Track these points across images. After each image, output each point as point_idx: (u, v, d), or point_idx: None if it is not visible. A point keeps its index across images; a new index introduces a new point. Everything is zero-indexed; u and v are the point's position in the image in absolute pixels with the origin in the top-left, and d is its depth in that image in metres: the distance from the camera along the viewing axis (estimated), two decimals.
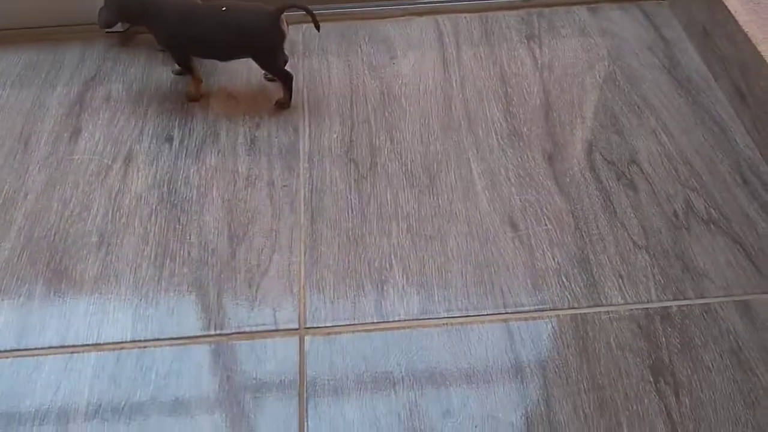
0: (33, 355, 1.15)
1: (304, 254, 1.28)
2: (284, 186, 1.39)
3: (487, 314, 1.17)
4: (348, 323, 1.17)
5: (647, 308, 1.18)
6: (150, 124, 1.51)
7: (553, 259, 1.25)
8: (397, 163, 1.42)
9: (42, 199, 1.38)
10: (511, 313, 1.18)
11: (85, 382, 1.12)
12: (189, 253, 1.28)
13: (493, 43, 1.67)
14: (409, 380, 1.10)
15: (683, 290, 1.20)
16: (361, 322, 1.17)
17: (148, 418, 1.07)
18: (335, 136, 1.48)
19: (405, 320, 1.17)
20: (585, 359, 1.12)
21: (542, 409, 1.07)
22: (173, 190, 1.38)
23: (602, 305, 1.18)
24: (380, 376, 1.11)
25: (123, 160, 1.44)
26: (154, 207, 1.36)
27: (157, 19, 1.51)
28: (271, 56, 1.51)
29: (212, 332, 1.17)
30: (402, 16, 1.75)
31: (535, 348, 1.13)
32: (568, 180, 1.38)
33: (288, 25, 1.49)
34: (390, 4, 1.76)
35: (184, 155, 1.45)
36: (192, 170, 1.42)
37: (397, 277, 1.24)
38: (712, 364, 1.10)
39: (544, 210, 1.33)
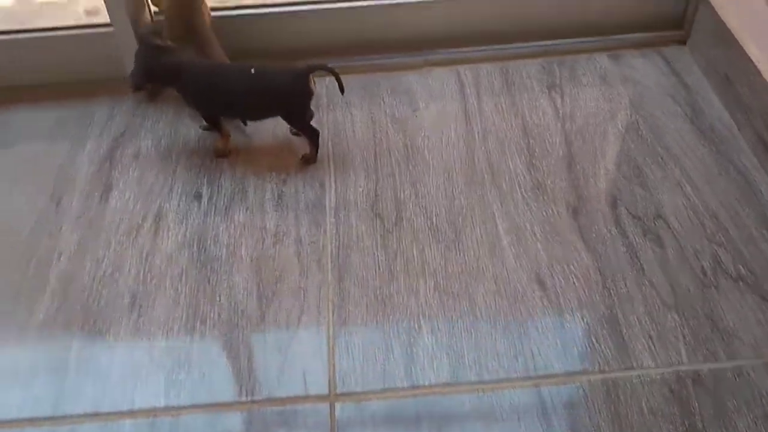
0: (69, 423, 1.14)
1: (332, 314, 1.27)
2: (311, 242, 1.38)
3: (518, 378, 1.16)
4: (378, 389, 1.15)
5: (678, 371, 1.16)
6: (179, 181, 1.52)
7: (582, 319, 1.23)
8: (422, 217, 1.41)
9: (75, 259, 1.38)
10: (542, 377, 1.16)
11: None
12: (219, 315, 1.28)
13: (514, 93, 1.66)
14: None
15: (714, 351, 1.18)
16: (391, 387, 1.16)
17: None
18: (360, 190, 1.48)
19: (435, 385, 1.15)
20: (617, 426, 1.09)
21: None
22: (203, 249, 1.38)
23: (633, 368, 1.16)
24: None
25: (153, 219, 1.44)
26: (184, 267, 1.35)
27: (185, 82, 1.51)
28: (300, 114, 1.51)
29: (244, 399, 1.15)
30: (423, 66, 1.74)
31: (567, 414, 1.11)
32: (594, 235, 1.36)
33: (314, 82, 1.50)
34: (411, 55, 1.75)
35: (213, 213, 1.45)
36: (221, 228, 1.42)
37: (426, 338, 1.22)
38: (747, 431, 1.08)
39: (571, 267, 1.31)
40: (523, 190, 1.45)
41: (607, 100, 1.64)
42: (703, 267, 1.30)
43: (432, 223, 1.40)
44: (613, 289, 1.27)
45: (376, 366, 1.19)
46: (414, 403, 1.13)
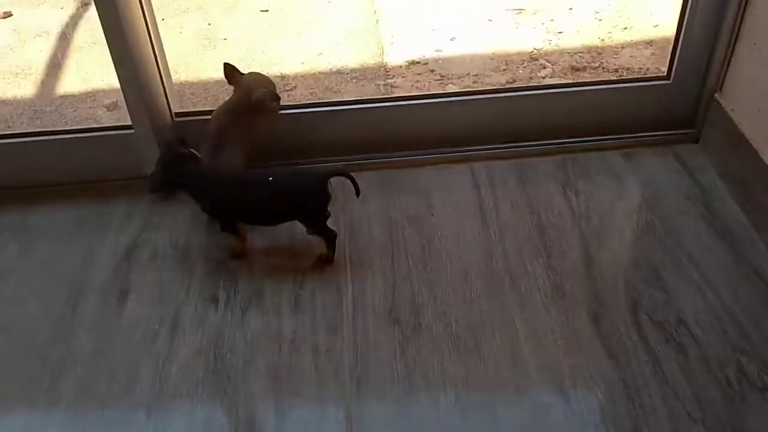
0: None
1: (351, 431, 1.23)
2: (328, 350, 1.35)
3: None
4: None
5: None
6: (196, 284, 1.49)
7: None
8: (441, 323, 1.38)
9: (90, 368, 1.34)
10: None
11: None
12: (236, 430, 1.24)
13: (529, 191, 1.65)
14: None
15: None
16: None
17: None
18: (378, 293, 1.45)
19: None
20: None
21: None
22: (219, 358, 1.35)
23: None
24: None
25: (170, 325, 1.41)
26: (200, 377, 1.32)
27: (203, 193, 1.50)
28: (319, 218, 1.50)
29: None
30: (438, 164, 1.74)
31: None
32: (615, 343, 1.32)
33: (332, 186, 1.49)
34: (425, 152, 1.76)
35: (229, 318, 1.42)
36: (237, 335, 1.39)
37: None
38: None
39: (594, 377, 1.27)
40: (542, 294, 1.42)
41: (621, 198, 1.63)
42: (727, 377, 1.26)
43: (451, 329, 1.37)
44: (637, 401, 1.23)
45: None
46: None
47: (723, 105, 1.64)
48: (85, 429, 1.24)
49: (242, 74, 1.63)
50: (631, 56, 2.19)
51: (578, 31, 2.31)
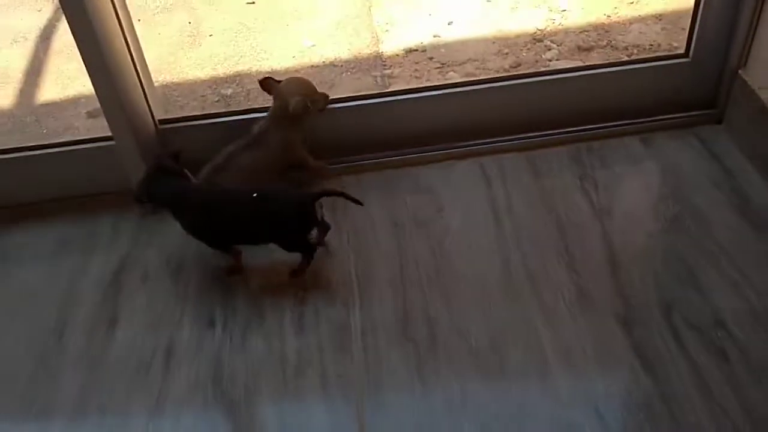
0: None
1: None
2: (338, 376, 1.22)
3: None
4: None
5: None
6: (190, 307, 1.36)
7: None
8: (458, 338, 1.25)
9: (77, 411, 1.21)
10: None
11: None
12: None
13: (545, 185, 1.51)
14: None
15: None
16: None
17: None
18: (388, 307, 1.31)
19: None
20: None
21: None
22: (219, 390, 1.21)
23: None
24: None
25: (163, 354, 1.28)
26: (198, 413, 1.19)
27: (179, 209, 1.37)
28: (299, 242, 1.36)
29: None
30: (444, 160, 1.59)
31: None
32: (651, 353, 1.19)
33: (322, 206, 1.36)
34: (430, 148, 1.61)
35: (228, 343, 1.29)
36: (237, 362, 1.25)
37: None
38: None
39: (632, 395, 1.14)
40: (566, 301, 1.29)
41: (644, 189, 1.50)
42: None
43: (470, 346, 1.23)
44: (681, 420, 1.10)
45: None
46: None
47: (748, 82, 1.50)
48: None
49: (278, 82, 1.52)
50: (640, 32, 2.04)
51: (582, 8, 2.15)
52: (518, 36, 2.09)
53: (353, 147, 1.60)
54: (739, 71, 1.52)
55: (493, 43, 2.07)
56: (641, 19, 2.09)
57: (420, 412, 1.15)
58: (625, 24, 2.09)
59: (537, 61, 2.00)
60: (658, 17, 2.08)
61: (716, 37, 1.53)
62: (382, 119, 1.61)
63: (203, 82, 2.07)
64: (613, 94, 1.61)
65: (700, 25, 1.53)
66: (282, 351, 1.26)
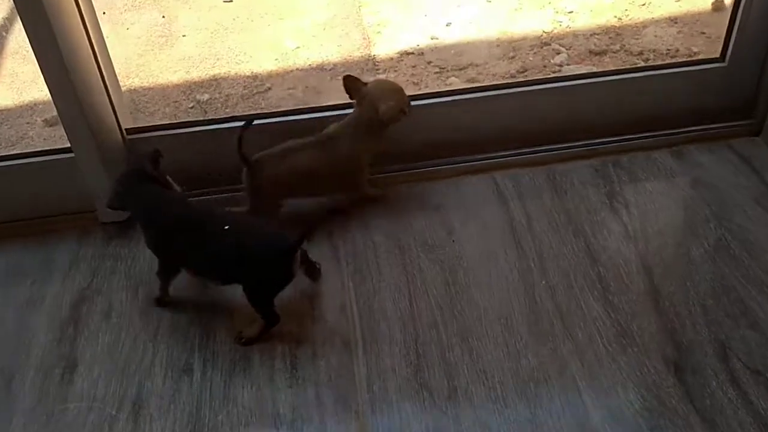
0: None
1: None
2: None
3: None
4: None
5: None
6: (162, 348, 1.15)
7: None
8: (481, 386, 1.06)
9: None
10: None
11: None
12: None
13: (568, 204, 1.34)
14: None
15: None
16: None
17: None
18: (397, 350, 1.12)
19: None
20: None
21: None
22: None
23: None
24: None
25: (131, 407, 1.07)
26: None
27: (147, 219, 1.18)
28: (266, 296, 1.14)
29: None
30: (453, 175, 1.41)
31: None
32: (708, 403, 1.02)
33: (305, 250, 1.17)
34: (436, 162, 1.43)
35: (208, 394, 1.09)
36: (220, 418, 1.06)
37: None
38: None
39: None
40: (604, 340, 1.11)
41: (682, 208, 1.33)
42: None
43: (496, 394, 1.05)
44: None
45: None
46: None
47: None
48: None
49: (365, 84, 1.34)
50: (655, 36, 1.89)
51: (591, 10, 2.00)
52: (523, 39, 1.92)
53: None
54: None
55: (497, 46, 1.91)
56: (655, 22, 1.94)
57: None
58: (637, 27, 1.94)
59: (545, 66, 1.84)
60: (673, 20, 1.94)
61: (756, 40, 1.37)
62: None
63: (176, 86, 1.87)
64: (638, 103, 1.45)
65: (739, 28, 1.37)
66: (274, 404, 1.07)
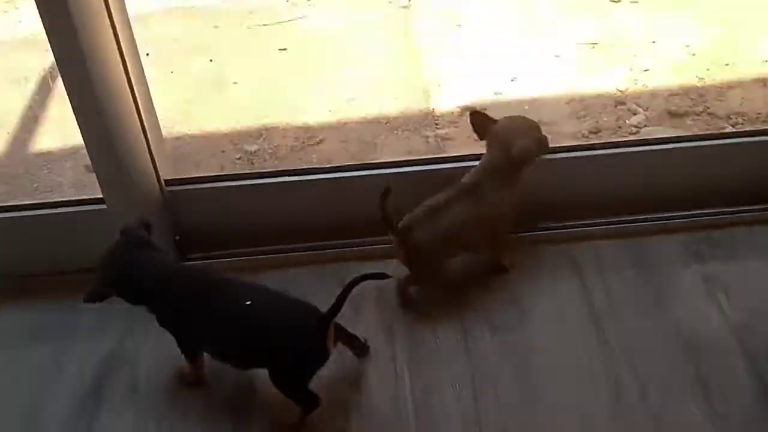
0: None
1: None
2: None
3: None
4: None
5: None
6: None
7: None
8: None
9: None
10: None
11: None
12: None
13: (656, 284, 1.15)
14: None
15: None
16: None
17: None
18: None
19: None
20: None
21: None
22: None
23: None
24: None
25: None
26: None
27: (161, 297, 1.02)
28: (295, 385, 0.98)
29: None
30: (524, 246, 1.26)
31: None
32: None
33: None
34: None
35: None
36: None
37: None
38: None
39: None
40: None
41: None
42: None
43: None
44: None
45: None
46: None
47: None
48: None
49: (494, 122, 1.20)
50: (743, 99, 1.71)
51: (669, 68, 1.85)
52: (595, 97, 1.77)
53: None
54: None
55: (566, 103, 1.75)
56: (740, 84, 1.77)
57: None
58: (721, 88, 1.77)
59: (620, 127, 1.68)
60: (761, 81, 1.76)
61: None
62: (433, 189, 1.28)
63: (224, 135, 1.76)
64: (734, 171, 1.27)
65: None
66: None
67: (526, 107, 1.76)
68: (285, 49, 2.06)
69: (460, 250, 1.18)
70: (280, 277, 1.16)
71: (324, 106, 1.82)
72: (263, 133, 1.77)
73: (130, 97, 1.12)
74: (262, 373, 1.02)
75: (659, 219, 1.27)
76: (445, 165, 1.29)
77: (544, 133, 1.21)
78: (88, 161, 1.84)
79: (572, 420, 0.98)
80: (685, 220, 1.26)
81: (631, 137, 1.60)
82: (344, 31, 2.09)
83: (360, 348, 1.07)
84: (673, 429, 0.95)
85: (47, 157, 1.80)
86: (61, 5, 0.97)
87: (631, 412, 0.98)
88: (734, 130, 1.56)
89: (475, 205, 1.15)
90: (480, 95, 1.82)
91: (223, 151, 1.71)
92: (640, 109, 1.71)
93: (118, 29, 1.07)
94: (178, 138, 1.75)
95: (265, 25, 2.13)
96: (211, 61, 2.01)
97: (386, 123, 1.77)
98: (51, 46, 1.02)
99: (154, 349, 1.12)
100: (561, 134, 1.68)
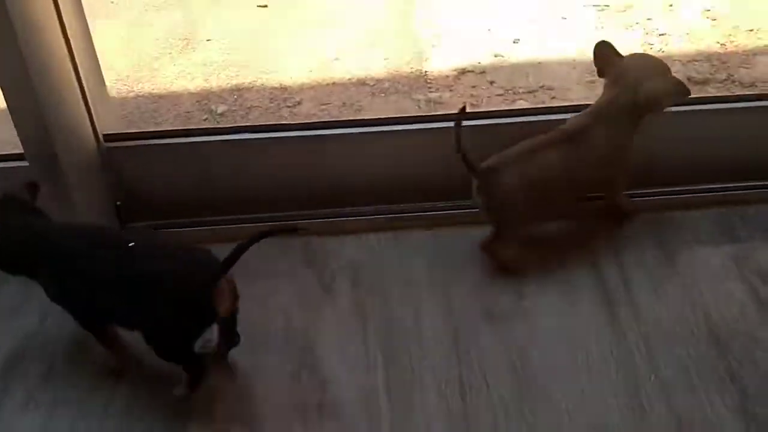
0: None
1: None
2: None
3: None
4: None
5: None
6: None
7: None
8: None
9: None
10: None
11: None
12: None
13: (681, 266, 0.97)
14: None
15: None
16: None
17: None
18: None
19: None
20: None
21: None
22: None
23: None
24: None
25: None
26: None
27: (40, 259, 0.85)
28: (176, 339, 0.80)
29: None
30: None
31: None
32: None
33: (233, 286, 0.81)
34: None
35: None
36: None
37: None
38: None
39: None
40: None
41: None
42: None
43: None
44: None
45: None
46: None
47: None
48: None
49: (621, 57, 1.01)
50: None
51: (687, 33, 1.66)
52: None
53: (369, 191, 1.09)
54: None
55: (574, 67, 1.57)
56: (767, 51, 1.59)
57: None
58: (746, 55, 1.58)
59: None
60: None
61: None
62: (421, 153, 1.09)
63: (191, 95, 1.57)
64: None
65: None
66: None
67: (529, 72, 1.58)
68: (265, 6, 1.88)
69: (556, 203, 1.01)
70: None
71: (304, 65, 1.63)
72: (235, 93, 1.58)
73: (59, 29, 0.93)
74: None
75: (684, 192, 1.08)
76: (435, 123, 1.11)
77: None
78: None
79: (580, 422, 0.80)
80: (713, 194, 1.07)
81: None
82: None
83: (229, 340, 0.86)
84: (698, 431, 0.78)
85: None
86: None
87: (645, 412, 0.80)
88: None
89: (577, 153, 0.96)
90: (479, 57, 1.63)
91: (188, 112, 1.52)
92: None
93: None
94: (139, 96, 1.56)
95: None
96: (183, 16, 1.82)
97: (373, 85, 1.58)
98: None
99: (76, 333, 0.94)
100: (567, 100, 1.50)
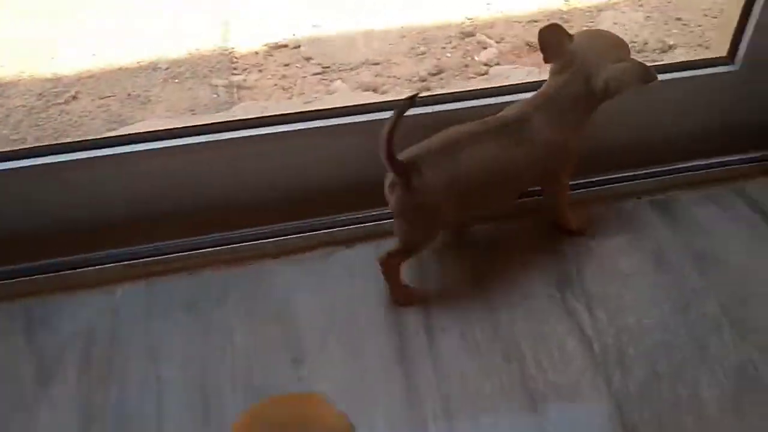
0: None
1: None
2: None
3: None
4: None
5: None
6: None
7: None
8: None
9: None
10: None
11: None
12: None
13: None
14: None
15: None
16: None
17: None
18: None
19: None
20: None
21: None
22: None
23: None
24: None
25: None
26: None
27: None
28: None
29: None
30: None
31: None
32: None
33: None
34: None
35: None
36: None
37: None
38: None
39: None
40: None
41: None
42: None
43: None
44: None
45: None
46: None
47: None
48: None
49: (570, 38, 0.84)
50: (615, 23, 1.38)
51: None
52: (437, 29, 1.37)
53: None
54: None
55: (402, 37, 1.35)
56: (613, 5, 1.43)
57: None
58: (590, 11, 1.41)
59: (467, 65, 1.29)
60: (638, 3, 1.43)
61: None
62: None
63: None
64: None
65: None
66: None
67: (357, 42, 1.36)
68: None
69: (481, 205, 0.86)
70: None
71: (76, 51, 1.33)
72: None
73: None
74: None
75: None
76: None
77: None
78: None
79: None
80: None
81: (478, 75, 1.24)
82: None
83: None
84: None
85: None
86: None
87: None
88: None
89: (515, 147, 0.81)
90: (293, 30, 1.38)
91: None
92: (491, 41, 1.33)
93: None
94: None
95: None
96: None
97: (165, 69, 1.31)
98: None
99: None
100: (394, 76, 1.29)
